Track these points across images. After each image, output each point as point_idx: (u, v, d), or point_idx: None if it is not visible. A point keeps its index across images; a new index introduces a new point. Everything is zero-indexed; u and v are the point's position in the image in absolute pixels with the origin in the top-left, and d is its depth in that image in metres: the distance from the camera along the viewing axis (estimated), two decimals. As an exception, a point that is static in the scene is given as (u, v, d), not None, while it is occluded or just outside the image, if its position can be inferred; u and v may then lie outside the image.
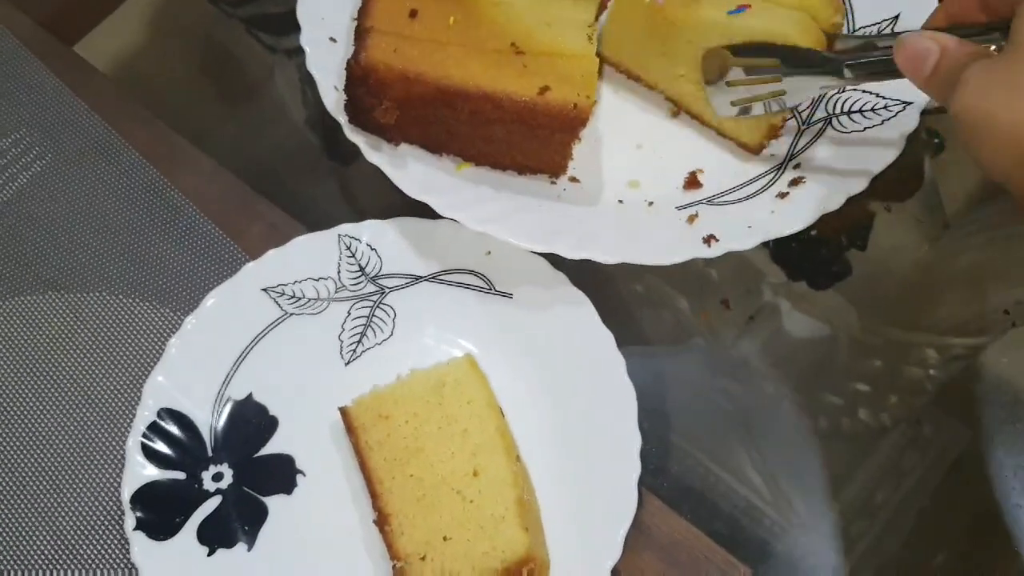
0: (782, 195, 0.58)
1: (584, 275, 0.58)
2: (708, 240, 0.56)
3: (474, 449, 0.53)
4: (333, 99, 0.60)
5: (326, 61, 0.61)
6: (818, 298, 0.65)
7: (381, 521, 0.52)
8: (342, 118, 0.59)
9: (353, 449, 0.55)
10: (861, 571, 0.55)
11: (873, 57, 0.52)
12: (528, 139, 0.58)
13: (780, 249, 0.66)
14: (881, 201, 0.67)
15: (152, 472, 0.54)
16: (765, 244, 0.66)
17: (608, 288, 0.63)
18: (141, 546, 0.52)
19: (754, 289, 0.65)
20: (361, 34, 0.57)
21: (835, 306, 0.65)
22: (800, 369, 0.62)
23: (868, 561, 0.55)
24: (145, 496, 0.54)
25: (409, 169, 0.58)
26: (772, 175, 0.60)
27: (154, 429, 0.55)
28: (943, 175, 0.69)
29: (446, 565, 0.50)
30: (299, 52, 0.74)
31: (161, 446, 0.55)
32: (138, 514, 0.53)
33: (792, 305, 0.65)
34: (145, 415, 0.55)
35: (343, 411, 0.55)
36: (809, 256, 0.67)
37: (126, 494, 0.53)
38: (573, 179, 0.61)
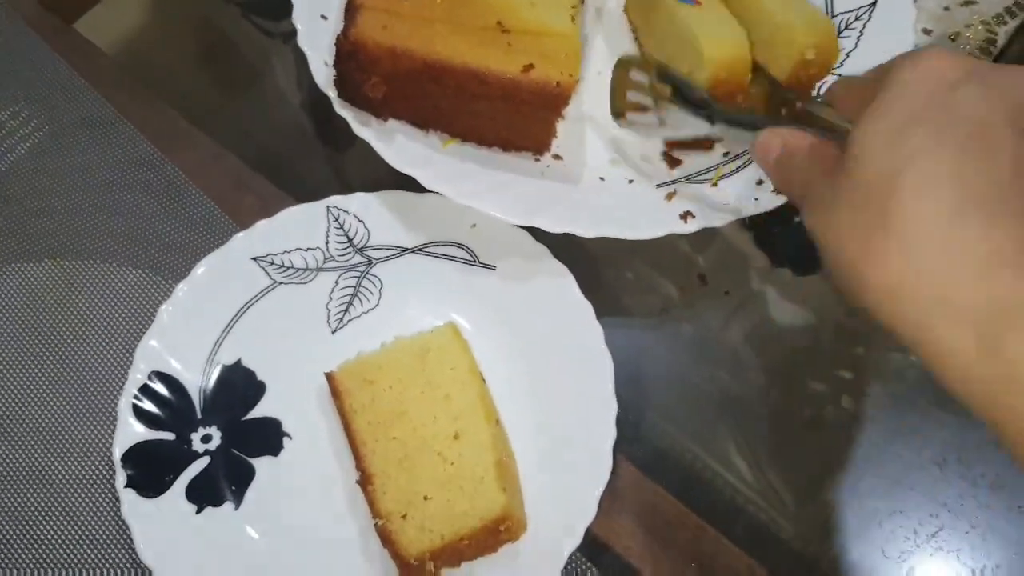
0: (760, 182, 0.60)
1: (566, 252, 0.60)
2: (685, 216, 0.58)
3: (456, 413, 0.55)
4: (323, 75, 0.61)
5: (317, 38, 0.62)
6: (802, 284, 0.67)
7: (364, 481, 0.54)
8: (331, 93, 0.61)
9: (338, 413, 0.57)
10: (842, 555, 0.56)
11: (745, 119, 0.51)
12: (512, 116, 0.59)
13: (764, 235, 0.67)
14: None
15: (143, 432, 0.56)
16: (748, 229, 0.68)
17: (590, 267, 0.64)
18: (131, 502, 0.54)
19: (737, 274, 0.66)
20: (351, 11, 0.58)
21: (819, 292, 0.66)
22: (784, 356, 0.63)
23: (850, 546, 0.56)
24: (135, 455, 0.55)
25: (396, 144, 0.60)
26: (748, 156, 0.62)
27: (145, 391, 0.57)
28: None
29: (426, 523, 0.52)
30: (294, 35, 0.76)
31: (152, 407, 0.57)
32: (128, 472, 0.55)
33: (776, 291, 0.66)
34: (137, 377, 0.57)
35: (329, 376, 0.57)
36: (793, 241, 0.68)
37: (117, 453, 0.55)
38: (556, 156, 0.63)
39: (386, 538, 0.52)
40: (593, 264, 0.66)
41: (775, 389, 0.62)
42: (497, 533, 0.52)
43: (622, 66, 0.58)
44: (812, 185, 0.40)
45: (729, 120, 0.52)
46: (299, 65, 0.77)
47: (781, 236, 0.68)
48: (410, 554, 0.51)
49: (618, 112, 0.58)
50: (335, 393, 0.57)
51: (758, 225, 0.67)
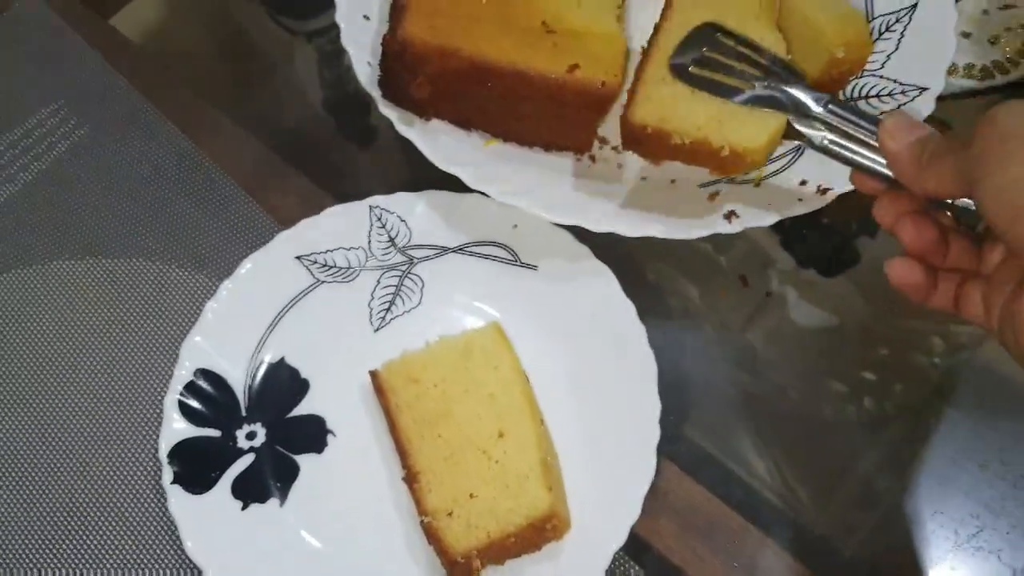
0: (803, 183, 0.60)
1: (603, 252, 0.60)
2: (729, 216, 0.58)
3: (500, 412, 0.55)
4: (367, 74, 0.62)
5: (360, 37, 0.63)
6: (827, 285, 0.67)
7: (410, 479, 0.54)
8: (375, 92, 0.61)
9: (383, 411, 0.57)
10: (884, 556, 0.56)
11: (859, 109, 0.49)
12: (556, 117, 0.60)
13: (790, 236, 0.67)
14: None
15: (189, 429, 0.57)
16: (777, 231, 0.68)
17: (627, 267, 0.64)
18: (178, 498, 0.54)
19: (763, 275, 0.66)
20: (397, 10, 0.58)
21: (843, 293, 0.66)
22: (807, 357, 0.64)
23: (892, 547, 0.56)
24: (181, 452, 0.56)
25: (440, 143, 0.60)
26: (791, 156, 0.62)
27: (190, 388, 0.57)
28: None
29: (472, 521, 0.52)
30: (318, 35, 0.77)
31: (197, 405, 0.57)
32: (175, 468, 0.55)
33: (800, 293, 0.66)
34: (182, 374, 0.57)
35: (373, 374, 0.57)
36: (819, 243, 0.68)
37: (163, 450, 0.55)
38: (596, 156, 0.63)
39: (432, 535, 0.52)
40: (631, 264, 0.66)
41: (797, 390, 0.62)
42: (543, 531, 0.52)
43: (706, 28, 0.55)
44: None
45: (844, 110, 0.49)
46: (322, 65, 0.78)
47: (810, 238, 0.68)
48: (457, 551, 0.51)
49: (685, 64, 0.54)
50: (380, 391, 0.57)
51: (786, 227, 0.67)
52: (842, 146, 0.49)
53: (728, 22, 0.56)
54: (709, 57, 0.54)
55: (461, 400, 0.56)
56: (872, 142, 0.47)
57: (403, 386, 0.57)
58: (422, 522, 0.53)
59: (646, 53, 0.56)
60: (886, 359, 0.63)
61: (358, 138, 0.75)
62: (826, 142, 0.50)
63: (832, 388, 0.62)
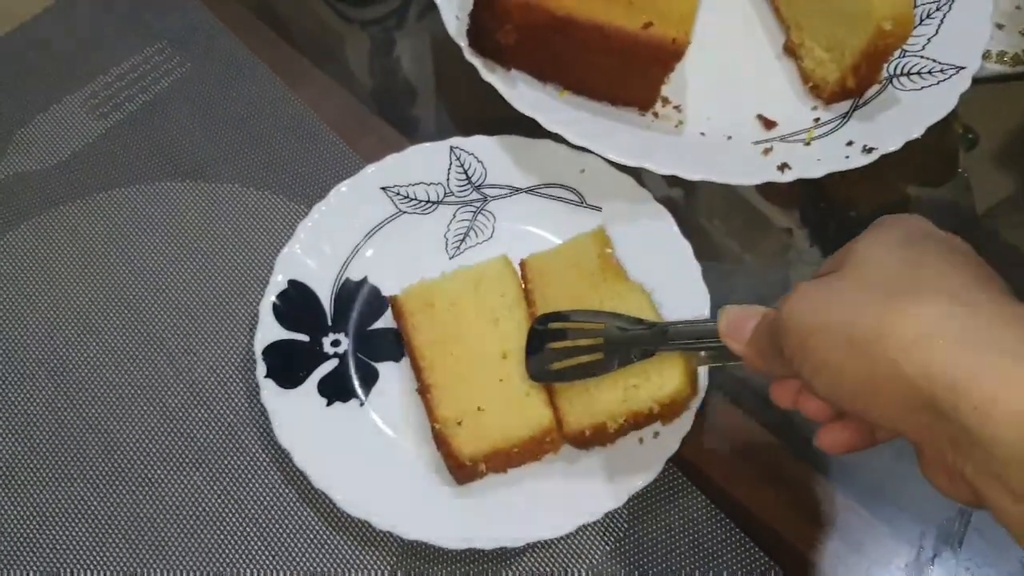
0: (850, 143, 0.66)
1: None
2: (782, 167, 0.63)
3: (503, 336, 0.60)
4: (454, 26, 0.68)
5: (446, -5, 0.69)
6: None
7: (423, 390, 0.59)
8: (462, 42, 0.67)
9: (401, 331, 0.61)
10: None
11: (697, 325, 0.53)
12: (626, 71, 0.65)
13: (818, 229, 0.72)
14: (916, 185, 0.73)
15: (280, 332, 0.62)
16: (805, 224, 0.73)
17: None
18: (269, 391, 0.60)
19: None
20: (489, -32, 0.64)
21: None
22: None
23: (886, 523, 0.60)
24: (273, 352, 0.61)
25: (519, 90, 0.66)
26: (838, 122, 0.68)
27: (283, 296, 0.63)
28: (975, 169, 0.75)
29: (479, 431, 0.56)
30: (372, 24, 0.82)
31: (289, 311, 0.63)
32: (268, 364, 0.60)
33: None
34: (277, 280, 0.63)
35: (392, 299, 0.62)
36: (846, 237, 0.72)
37: (258, 347, 0.61)
38: (659, 113, 0.69)
39: (442, 441, 0.56)
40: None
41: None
42: (542, 444, 0.57)
43: (537, 332, 0.58)
44: (798, 285, 0.43)
45: (684, 332, 0.52)
46: (373, 55, 0.81)
47: (835, 230, 0.72)
48: (464, 456, 0.55)
49: (545, 370, 0.57)
50: (398, 314, 0.61)
51: (815, 220, 0.72)
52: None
53: (582, 292, 0.60)
54: (556, 349, 0.57)
55: (470, 324, 0.60)
56: None
57: (419, 309, 0.61)
58: (433, 429, 0.57)
59: None
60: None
61: (437, 89, 0.79)
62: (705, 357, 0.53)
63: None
